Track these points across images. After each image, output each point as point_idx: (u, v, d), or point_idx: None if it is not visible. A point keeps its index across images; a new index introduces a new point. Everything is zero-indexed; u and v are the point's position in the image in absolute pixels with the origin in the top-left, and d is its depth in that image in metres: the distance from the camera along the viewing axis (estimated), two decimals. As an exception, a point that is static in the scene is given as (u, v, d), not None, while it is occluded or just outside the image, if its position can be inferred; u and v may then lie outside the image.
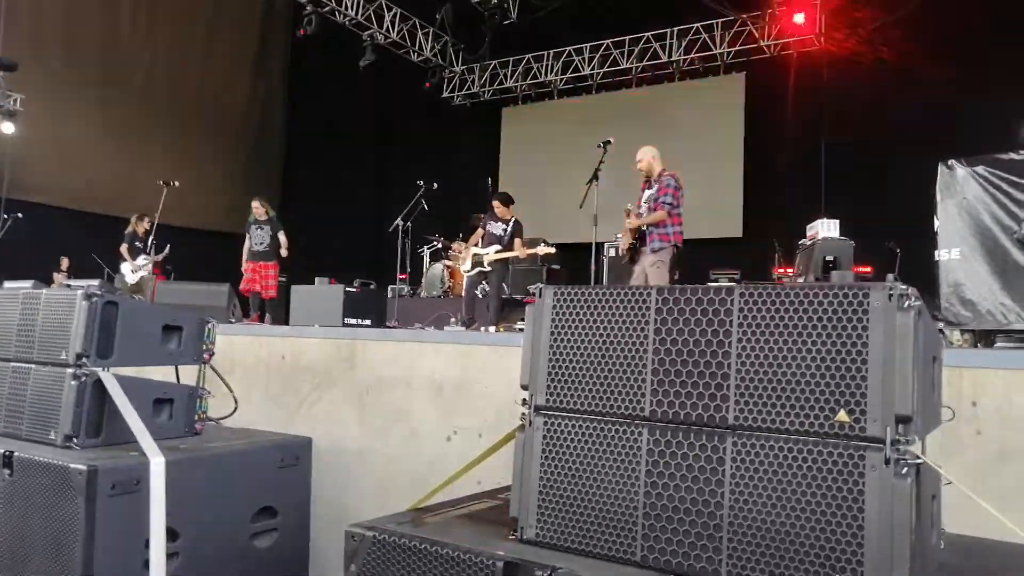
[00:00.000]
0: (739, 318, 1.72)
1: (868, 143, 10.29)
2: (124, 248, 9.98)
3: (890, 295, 1.55)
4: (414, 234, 9.98)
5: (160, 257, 10.01)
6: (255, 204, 8.98)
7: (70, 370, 2.89)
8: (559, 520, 1.86)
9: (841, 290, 1.60)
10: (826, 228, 6.65)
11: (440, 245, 10.81)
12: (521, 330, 5.46)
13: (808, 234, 7.04)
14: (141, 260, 9.88)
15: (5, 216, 10.26)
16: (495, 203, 7.64)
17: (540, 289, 1.96)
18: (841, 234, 6.85)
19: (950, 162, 4.13)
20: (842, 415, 1.57)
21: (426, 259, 11.01)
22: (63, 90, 13.45)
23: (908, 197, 9.73)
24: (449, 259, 10.53)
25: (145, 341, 3.14)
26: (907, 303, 1.56)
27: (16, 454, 2.76)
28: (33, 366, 3.02)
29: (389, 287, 11.91)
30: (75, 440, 2.86)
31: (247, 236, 8.97)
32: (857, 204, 9.62)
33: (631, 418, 1.82)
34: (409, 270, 10.12)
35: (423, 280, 10.82)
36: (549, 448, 1.91)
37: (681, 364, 1.77)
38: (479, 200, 11.33)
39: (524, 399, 1.96)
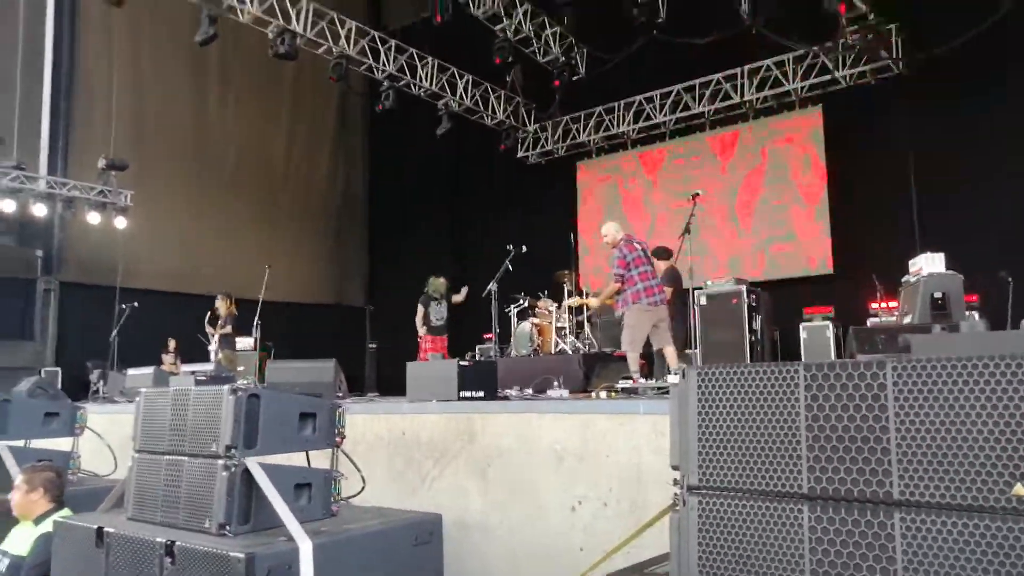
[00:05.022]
0: (894, 392, 1.73)
1: (962, 167, 9.95)
2: (208, 327, 10.77)
3: (1060, 364, 1.54)
4: (500, 294, 10.16)
5: (228, 330, 10.56)
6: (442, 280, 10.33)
7: (220, 461, 3.08)
8: (723, 601, 1.87)
9: (1003, 360, 1.59)
10: (931, 263, 6.41)
11: (527, 304, 10.94)
12: (625, 390, 5.48)
13: (911, 270, 6.80)
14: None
15: (123, 306, 10.94)
16: None
17: (683, 370, 2.01)
18: (945, 266, 6.62)
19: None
20: (1019, 488, 1.55)
21: (514, 318, 11.14)
22: (164, 180, 14.42)
23: (1013, 222, 9.40)
24: (536, 317, 10.63)
25: (284, 430, 3.31)
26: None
27: (177, 543, 2.94)
28: (186, 459, 3.22)
29: (478, 347, 12.11)
30: (228, 528, 3.02)
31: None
32: (954, 232, 9.29)
33: (789, 495, 1.83)
34: (498, 330, 10.26)
35: (512, 339, 10.93)
36: (705, 528, 1.93)
37: (837, 440, 1.78)
38: (560, 257, 11.46)
39: (675, 479, 2.00)
